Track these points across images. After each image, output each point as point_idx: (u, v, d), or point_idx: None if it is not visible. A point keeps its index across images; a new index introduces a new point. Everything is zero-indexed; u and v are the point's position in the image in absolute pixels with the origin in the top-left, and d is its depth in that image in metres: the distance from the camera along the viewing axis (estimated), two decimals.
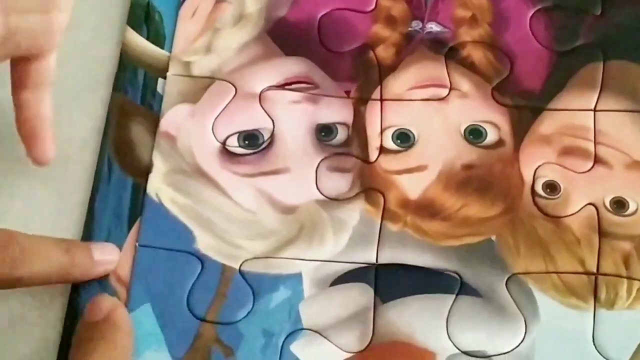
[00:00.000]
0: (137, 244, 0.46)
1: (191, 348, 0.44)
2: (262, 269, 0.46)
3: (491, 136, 0.48)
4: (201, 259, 0.46)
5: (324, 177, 0.47)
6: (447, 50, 0.50)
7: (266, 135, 0.48)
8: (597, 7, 0.51)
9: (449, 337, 0.44)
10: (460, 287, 0.45)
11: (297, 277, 0.45)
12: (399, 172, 0.47)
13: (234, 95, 0.49)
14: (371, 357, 0.44)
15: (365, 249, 0.46)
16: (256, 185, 0.47)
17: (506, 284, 0.45)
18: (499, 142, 0.48)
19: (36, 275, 0.40)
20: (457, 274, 0.45)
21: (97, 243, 0.44)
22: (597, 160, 0.47)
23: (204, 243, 0.46)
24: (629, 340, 0.44)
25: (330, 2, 0.52)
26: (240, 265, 0.46)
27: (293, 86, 0.50)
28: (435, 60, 0.50)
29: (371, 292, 0.45)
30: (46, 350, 0.44)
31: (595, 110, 0.48)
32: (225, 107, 0.49)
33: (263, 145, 0.48)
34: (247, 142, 0.48)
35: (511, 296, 0.44)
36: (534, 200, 0.46)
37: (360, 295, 0.45)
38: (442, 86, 0.49)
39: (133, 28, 0.52)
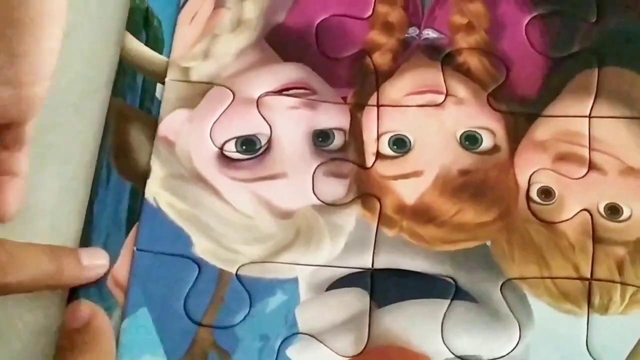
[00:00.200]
0: (135, 248, 0.47)
1: (188, 352, 0.46)
2: (259, 273, 0.47)
3: (487, 142, 0.49)
4: (198, 263, 0.47)
5: (321, 182, 0.48)
6: (443, 57, 0.52)
7: (263, 141, 0.49)
8: (593, 14, 0.52)
9: (444, 342, 0.45)
10: (455, 292, 0.46)
11: (294, 282, 0.47)
12: (395, 178, 0.49)
13: (232, 101, 0.51)
14: None
15: (361, 254, 0.47)
16: (253, 190, 0.48)
17: (501, 289, 0.46)
18: (495, 148, 0.49)
19: (24, 282, 0.41)
20: (452, 279, 0.46)
21: (86, 249, 0.45)
22: (592, 166, 0.48)
23: (202, 247, 0.47)
24: (622, 345, 0.45)
25: (327, 9, 0.53)
26: (237, 270, 0.47)
27: (290, 92, 0.51)
28: (431, 67, 0.51)
29: (367, 296, 0.46)
30: (44, 355, 0.45)
31: (590, 116, 0.49)
32: (223, 112, 0.50)
33: (260, 151, 0.49)
34: (244, 147, 0.49)
35: (505, 301, 0.46)
36: (528, 206, 0.48)
37: (356, 299, 0.46)
38: (439, 92, 0.50)
39: (132, 33, 0.53)
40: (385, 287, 0.46)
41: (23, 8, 0.39)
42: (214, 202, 0.48)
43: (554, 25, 0.52)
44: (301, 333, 0.46)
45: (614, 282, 0.46)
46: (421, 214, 0.48)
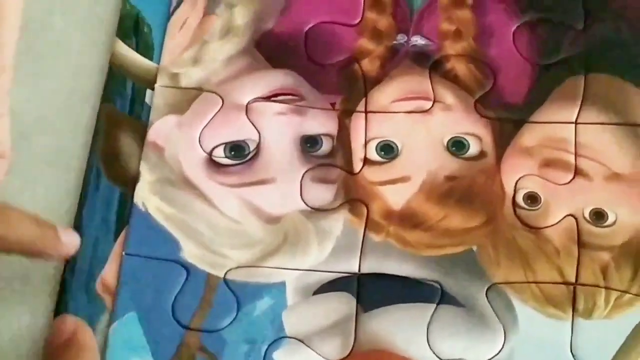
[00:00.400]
0: (123, 253, 0.49)
1: (175, 355, 0.47)
2: (247, 277, 0.48)
3: (473, 148, 0.51)
4: (187, 267, 0.49)
5: (309, 187, 0.50)
6: (431, 64, 0.53)
7: (252, 146, 0.51)
8: (580, 21, 0.54)
9: (429, 346, 0.46)
10: (441, 297, 0.48)
11: (281, 286, 0.48)
12: (383, 183, 0.50)
13: (221, 107, 0.52)
14: None
15: (348, 259, 0.49)
16: (241, 196, 0.50)
17: (486, 294, 0.48)
18: (481, 154, 0.51)
19: (9, 239, 0.41)
20: (438, 283, 0.48)
21: (60, 227, 0.45)
22: (578, 172, 0.50)
23: (190, 252, 0.49)
24: (606, 349, 0.46)
25: (317, 16, 0.55)
26: (225, 274, 0.48)
27: (279, 98, 0.52)
28: (419, 73, 0.53)
29: (353, 301, 0.48)
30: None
31: (576, 123, 0.51)
32: (212, 118, 0.52)
33: (249, 156, 0.51)
34: (233, 152, 0.51)
35: (491, 306, 0.47)
36: (514, 211, 0.49)
37: (342, 304, 0.48)
38: (426, 99, 0.52)
39: (122, 40, 0.55)
40: (371, 291, 0.48)
41: None
42: (203, 207, 0.50)
43: (541, 33, 0.54)
44: (288, 337, 0.47)
45: (598, 286, 0.47)
46: (408, 219, 0.49)
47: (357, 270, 0.48)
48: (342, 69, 0.53)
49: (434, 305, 0.47)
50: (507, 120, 0.51)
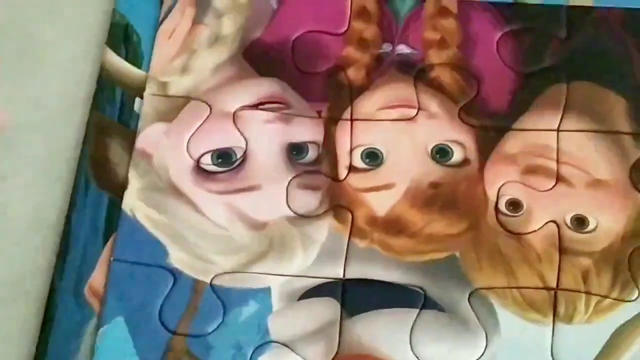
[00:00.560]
0: (111, 258, 0.51)
1: None
2: (233, 283, 0.50)
3: (457, 155, 0.53)
4: (174, 273, 0.51)
5: (295, 194, 0.52)
6: (416, 72, 0.56)
7: (239, 154, 0.53)
8: (563, 30, 0.56)
9: (412, 350, 0.48)
10: (424, 302, 0.50)
11: (266, 291, 0.50)
12: (367, 190, 0.52)
13: (209, 115, 0.54)
14: None
15: (333, 265, 0.51)
16: (228, 202, 0.52)
17: (468, 299, 0.49)
18: (465, 161, 0.53)
19: None
20: (421, 288, 0.50)
21: None
22: (560, 178, 0.52)
23: (177, 258, 0.51)
24: (586, 353, 0.48)
25: (304, 25, 0.57)
26: (212, 280, 0.50)
27: (266, 106, 0.55)
28: (404, 82, 0.55)
29: (338, 306, 0.50)
30: None
31: (558, 130, 0.53)
32: (200, 126, 0.54)
33: (236, 164, 0.53)
34: (220, 160, 0.53)
35: (473, 310, 0.49)
36: (497, 218, 0.51)
37: (327, 309, 0.50)
38: (411, 107, 0.54)
39: (112, 49, 0.57)
40: (356, 296, 0.50)
41: None
42: (190, 214, 0.52)
43: (524, 42, 0.56)
44: (273, 341, 0.49)
45: (579, 291, 0.49)
46: (392, 225, 0.51)
47: (341, 276, 0.50)
48: (328, 78, 0.55)
49: (417, 310, 0.49)
50: (491, 128, 0.53)
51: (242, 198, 0.52)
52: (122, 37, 0.57)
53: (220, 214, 0.52)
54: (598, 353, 0.48)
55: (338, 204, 0.52)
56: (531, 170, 0.52)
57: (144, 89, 0.55)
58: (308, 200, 0.52)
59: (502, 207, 0.51)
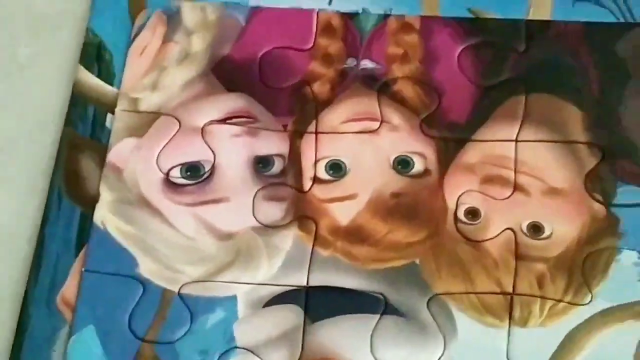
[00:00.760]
0: (83, 269, 0.56)
1: None
2: (200, 292, 0.55)
3: (418, 166, 0.57)
4: (143, 283, 0.55)
5: (261, 205, 0.57)
6: (379, 86, 0.60)
7: (207, 167, 0.58)
8: (522, 44, 0.61)
9: (373, 354, 0.53)
10: (385, 308, 0.54)
11: (233, 299, 0.55)
12: (331, 201, 0.57)
13: (178, 130, 0.59)
14: None
15: (297, 273, 0.55)
16: (196, 214, 0.57)
17: (428, 304, 0.54)
18: (426, 172, 0.57)
19: None
20: (382, 295, 0.54)
21: None
22: (517, 187, 0.56)
23: (146, 268, 0.56)
24: (540, 355, 0.52)
25: (271, 42, 0.62)
26: (180, 289, 0.55)
27: (233, 120, 0.59)
28: (368, 95, 0.60)
29: (301, 312, 0.54)
30: None
31: (516, 140, 0.58)
32: (170, 140, 0.59)
33: (204, 176, 0.58)
34: (189, 173, 0.58)
35: (432, 315, 0.54)
36: (456, 226, 0.56)
37: (291, 315, 0.54)
38: (374, 119, 0.59)
39: (85, 67, 0.62)
40: (319, 303, 0.54)
41: None
42: (159, 225, 0.56)
43: (485, 55, 0.61)
44: (238, 347, 0.53)
45: (534, 296, 0.53)
46: (354, 234, 0.56)
47: (305, 284, 0.55)
48: (294, 92, 0.60)
49: (378, 315, 0.54)
50: (451, 139, 0.58)
51: (210, 209, 0.57)
52: (94, 55, 0.62)
53: (189, 225, 0.56)
54: (551, 355, 0.52)
55: (303, 214, 0.57)
56: (489, 180, 0.56)
57: (115, 106, 0.60)
58: (273, 211, 0.56)
59: (461, 215, 0.56)
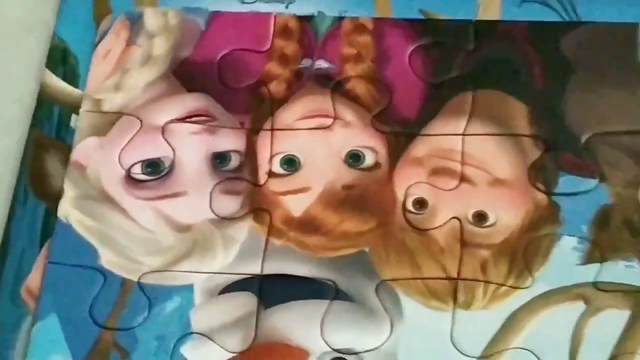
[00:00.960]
0: (47, 261, 0.61)
1: (91, 352, 0.59)
2: (159, 281, 0.60)
3: (369, 159, 0.63)
4: (104, 273, 0.61)
5: (218, 199, 0.62)
6: (333, 84, 0.66)
7: (167, 163, 0.64)
8: (470, 43, 0.67)
9: (323, 338, 0.58)
10: (335, 294, 0.59)
11: (189, 288, 0.60)
12: (285, 193, 0.63)
13: (140, 128, 0.65)
14: (251, 356, 0.58)
15: (251, 262, 0.61)
16: (156, 208, 0.62)
17: (376, 290, 0.59)
18: (376, 165, 0.63)
19: None
20: (332, 281, 0.60)
21: None
22: (463, 178, 0.62)
23: (107, 259, 0.61)
24: (483, 336, 0.58)
25: (230, 44, 0.68)
26: (139, 278, 0.60)
27: (193, 119, 0.65)
28: (322, 94, 0.66)
29: (255, 299, 0.59)
30: None
31: (464, 134, 0.63)
32: (131, 139, 0.65)
33: (164, 172, 0.63)
34: (149, 169, 0.64)
35: (380, 300, 0.59)
36: (404, 216, 0.61)
37: (245, 302, 0.59)
38: (327, 116, 0.65)
39: (51, 70, 0.68)
40: (272, 290, 0.60)
41: None
42: (120, 219, 0.62)
43: (435, 54, 0.67)
44: (194, 333, 0.59)
45: (477, 280, 0.59)
46: (307, 225, 0.61)
47: (259, 272, 0.60)
48: (251, 92, 0.66)
49: (329, 301, 0.59)
50: (401, 134, 0.64)
51: (169, 203, 0.62)
52: (60, 59, 0.68)
53: (149, 219, 0.62)
54: (493, 336, 0.58)
55: (258, 206, 0.62)
56: (437, 172, 0.62)
57: (79, 107, 0.66)
58: (230, 204, 0.62)
59: (409, 205, 0.61)
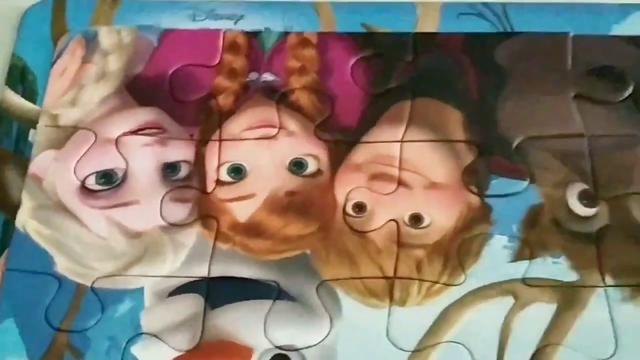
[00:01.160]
0: (5, 268, 0.67)
1: (46, 353, 0.64)
2: (111, 285, 0.66)
3: (311, 167, 0.69)
4: (59, 279, 0.66)
5: (168, 206, 0.68)
6: (278, 96, 0.72)
7: (120, 174, 0.70)
8: (409, 54, 0.73)
9: (266, 335, 0.64)
10: (278, 294, 0.65)
11: (140, 291, 0.66)
12: (231, 200, 0.68)
13: (94, 141, 0.71)
14: (198, 354, 0.64)
15: (199, 265, 0.66)
16: (109, 216, 0.68)
17: (317, 289, 0.65)
18: (318, 172, 0.69)
19: None
20: (276, 282, 0.66)
21: None
22: (400, 183, 0.68)
23: (62, 266, 0.67)
24: (417, 331, 0.63)
25: (180, 60, 0.74)
26: (92, 283, 0.66)
27: (145, 131, 0.71)
28: (267, 105, 0.72)
29: (202, 300, 0.65)
30: None
31: (402, 141, 0.69)
32: (86, 151, 0.71)
33: (117, 182, 0.69)
34: (103, 180, 0.70)
35: (320, 299, 0.65)
36: (344, 219, 0.67)
37: (192, 303, 0.65)
38: (272, 126, 0.71)
39: (11, 87, 0.74)
40: (218, 291, 0.65)
41: None
42: (75, 227, 0.68)
43: (375, 66, 0.73)
44: (144, 333, 0.64)
45: (412, 279, 0.65)
46: (252, 230, 0.67)
47: (206, 275, 0.66)
48: (201, 104, 0.72)
49: (272, 301, 0.65)
50: (342, 142, 0.70)
51: (121, 212, 0.68)
52: (19, 77, 0.74)
53: (102, 227, 0.68)
54: (426, 331, 0.63)
55: (206, 213, 0.68)
56: (376, 177, 0.68)
57: (37, 122, 0.72)
58: (179, 211, 0.68)
59: (349, 209, 0.67)
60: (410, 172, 0.68)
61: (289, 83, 0.72)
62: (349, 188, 0.68)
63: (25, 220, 0.68)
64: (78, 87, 0.73)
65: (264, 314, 0.64)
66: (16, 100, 0.73)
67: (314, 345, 0.63)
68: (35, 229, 0.68)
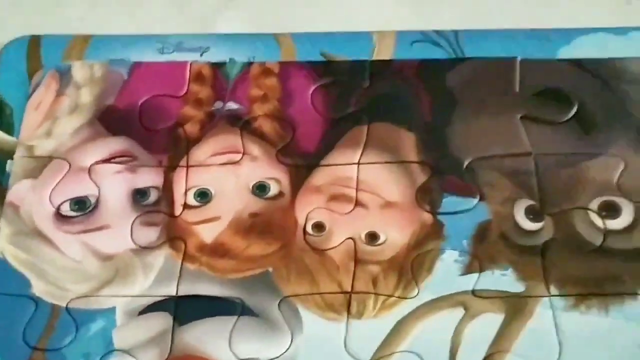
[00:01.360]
0: None
1: None
2: (85, 305, 0.73)
3: (274, 189, 0.76)
4: (35, 300, 0.73)
5: (138, 230, 0.75)
6: (242, 123, 0.79)
7: (93, 200, 0.76)
8: (366, 81, 0.80)
9: (231, 349, 0.70)
10: (242, 310, 0.72)
11: (112, 310, 0.72)
12: (198, 223, 0.75)
13: (68, 170, 0.78)
14: None
15: (167, 285, 0.73)
16: (83, 240, 0.75)
17: (278, 305, 0.71)
18: (280, 194, 0.76)
19: None
20: (240, 299, 0.72)
21: None
22: (357, 203, 0.74)
23: (39, 289, 0.73)
24: (373, 342, 0.69)
25: (150, 91, 0.81)
26: (67, 304, 0.73)
27: (116, 159, 0.78)
28: (232, 132, 0.79)
29: (170, 318, 0.72)
30: None
31: (359, 163, 0.76)
32: (61, 180, 0.77)
33: (89, 208, 0.76)
34: (77, 206, 0.76)
35: (281, 314, 0.71)
36: (304, 238, 0.74)
37: (161, 321, 0.72)
38: (236, 152, 0.78)
39: None
40: (186, 309, 0.72)
41: None
42: (50, 252, 0.75)
43: (334, 92, 0.80)
44: (117, 350, 0.71)
45: (368, 293, 0.71)
46: (217, 250, 0.74)
47: (174, 293, 0.72)
48: (169, 133, 0.79)
49: (236, 317, 0.71)
50: (302, 166, 0.77)
51: (94, 236, 0.75)
52: None
53: (76, 250, 0.74)
54: (382, 342, 0.69)
55: (174, 235, 0.75)
56: (334, 198, 0.75)
57: (14, 153, 0.79)
58: (149, 234, 0.75)
59: (309, 229, 0.74)
60: (366, 192, 0.74)
61: (252, 111, 0.79)
62: (309, 209, 0.74)
63: (4, 246, 0.75)
64: (52, 119, 0.80)
65: (229, 329, 0.70)
66: None
67: (277, 358, 0.69)
68: (13, 254, 0.74)
